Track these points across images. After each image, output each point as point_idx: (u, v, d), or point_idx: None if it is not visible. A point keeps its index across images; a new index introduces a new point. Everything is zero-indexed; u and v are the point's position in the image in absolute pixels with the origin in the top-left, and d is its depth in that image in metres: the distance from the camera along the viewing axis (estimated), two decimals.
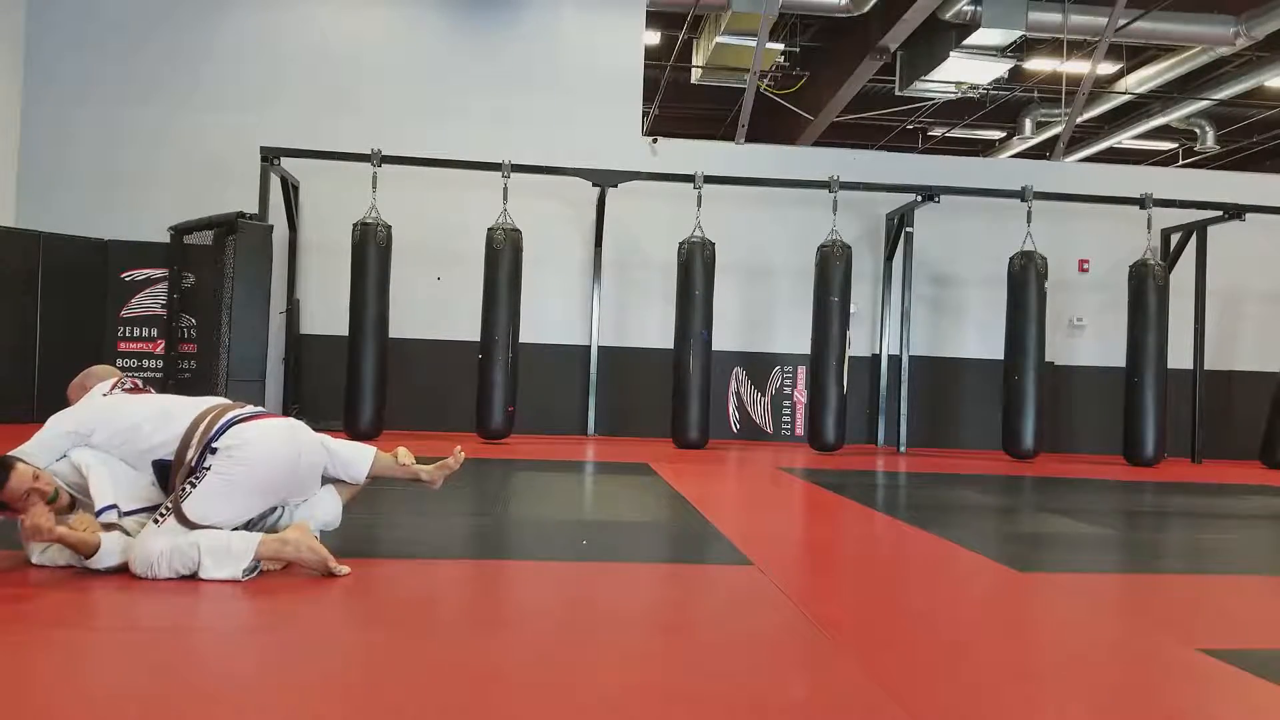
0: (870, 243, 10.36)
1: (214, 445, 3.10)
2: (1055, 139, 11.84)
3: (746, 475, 7.58)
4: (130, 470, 3.13)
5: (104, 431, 3.14)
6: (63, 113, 9.63)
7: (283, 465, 3.21)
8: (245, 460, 3.09)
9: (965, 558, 4.18)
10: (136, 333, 9.36)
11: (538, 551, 4.07)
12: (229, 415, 3.20)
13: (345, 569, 3.13)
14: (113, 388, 3.38)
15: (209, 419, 3.17)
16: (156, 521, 3.02)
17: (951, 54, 11.07)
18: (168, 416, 3.20)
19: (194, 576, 2.97)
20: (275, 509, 3.32)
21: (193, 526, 3.01)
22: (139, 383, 3.50)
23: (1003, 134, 15.94)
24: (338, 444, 3.46)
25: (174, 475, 3.12)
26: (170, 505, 3.04)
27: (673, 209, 9.55)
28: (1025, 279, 9.20)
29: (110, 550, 3.01)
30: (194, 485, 3.04)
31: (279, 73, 9.93)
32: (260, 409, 3.38)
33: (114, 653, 2.48)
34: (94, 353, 9.04)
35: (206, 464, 3.07)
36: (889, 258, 10.28)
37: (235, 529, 3.12)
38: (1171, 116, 13.66)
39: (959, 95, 13.04)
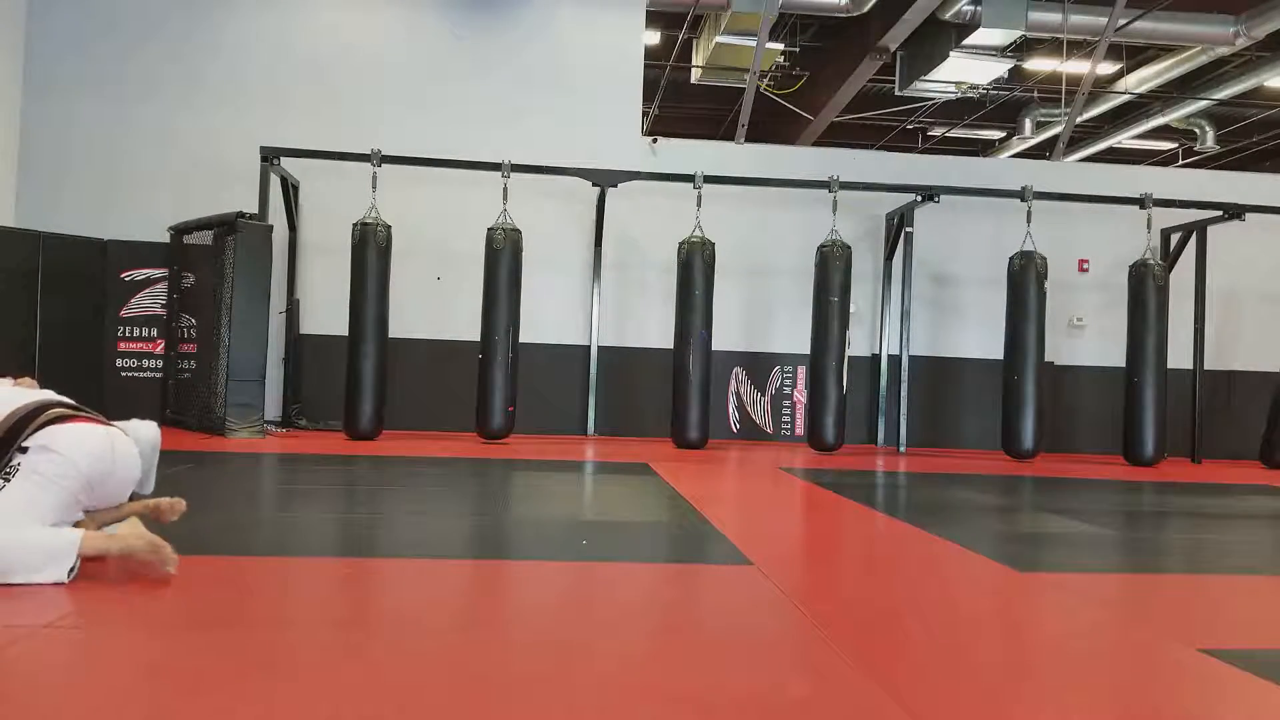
0: (870, 243, 10.35)
1: (24, 445, 2.98)
2: (1055, 139, 11.84)
3: (746, 475, 7.58)
4: None
5: None
6: (63, 112, 9.62)
7: (91, 478, 3.06)
8: (50, 469, 2.95)
9: (965, 558, 4.18)
10: (136, 333, 9.35)
11: (538, 551, 4.06)
12: (50, 415, 3.08)
13: (174, 562, 2.97)
14: None
15: (27, 411, 3.07)
16: None
17: (951, 54, 11.07)
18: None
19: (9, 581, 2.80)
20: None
21: None
22: None
23: (1003, 134, 15.94)
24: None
25: None
26: None
27: (673, 209, 9.55)
28: (1025, 279, 9.19)
29: None
30: (6, 480, 2.93)
31: (279, 72, 9.92)
32: (83, 412, 3.22)
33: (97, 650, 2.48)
34: (94, 352, 9.05)
35: (15, 462, 2.96)
36: (889, 258, 10.28)
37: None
38: (1171, 116, 13.66)
39: (959, 95, 13.04)
